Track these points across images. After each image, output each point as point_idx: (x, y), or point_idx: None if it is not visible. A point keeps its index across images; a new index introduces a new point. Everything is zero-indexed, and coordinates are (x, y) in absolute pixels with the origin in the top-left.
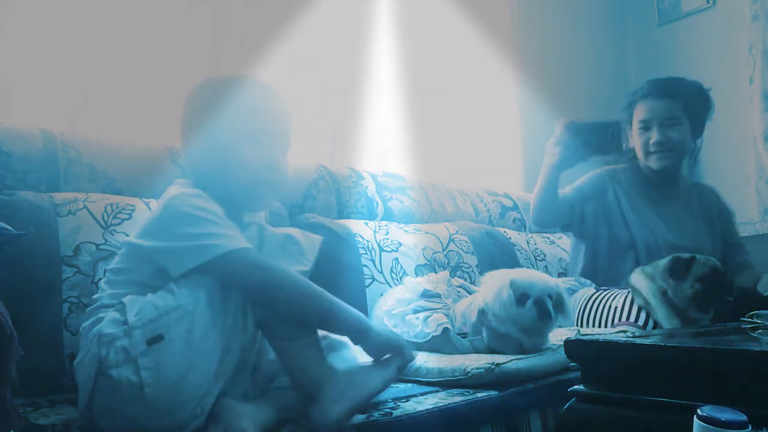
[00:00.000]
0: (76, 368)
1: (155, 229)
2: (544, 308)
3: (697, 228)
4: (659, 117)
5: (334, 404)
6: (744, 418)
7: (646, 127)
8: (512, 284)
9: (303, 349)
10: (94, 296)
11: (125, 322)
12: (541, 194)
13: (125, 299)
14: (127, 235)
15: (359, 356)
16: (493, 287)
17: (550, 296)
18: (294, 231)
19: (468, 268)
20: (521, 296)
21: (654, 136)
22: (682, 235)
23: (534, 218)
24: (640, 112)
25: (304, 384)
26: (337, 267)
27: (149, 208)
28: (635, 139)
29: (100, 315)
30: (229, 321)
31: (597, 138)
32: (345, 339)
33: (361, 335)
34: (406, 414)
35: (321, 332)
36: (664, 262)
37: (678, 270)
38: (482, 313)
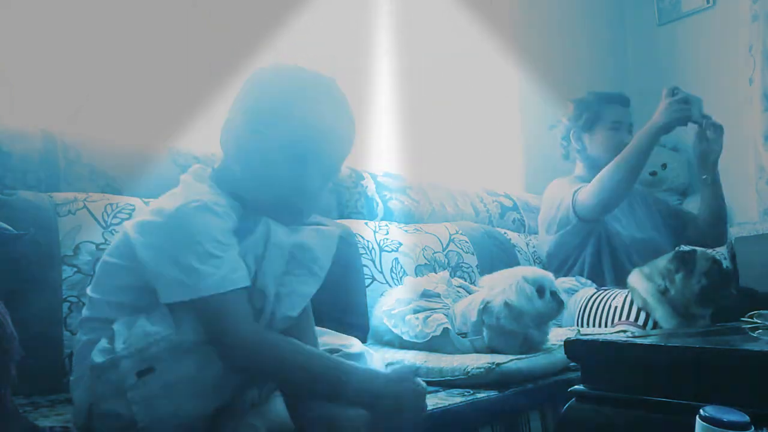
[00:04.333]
0: (72, 386)
1: (152, 240)
2: (558, 298)
3: (649, 222)
4: (627, 122)
5: None
6: (747, 418)
7: (618, 128)
8: (526, 280)
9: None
10: (88, 290)
11: (113, 351)
12: (637, 163)
13: (114, 325)
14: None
15: (373, 362)
16: (509, 285)
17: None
18: (307, 234)
19: (468, 268)
20: (539, 290)
21: (627, 137)
22: (640, 229)
23: (610, 199)
24: (611, 115)
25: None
26: (337, 267)
27: None
28: (604, 138)
29: (95, 336)
30: None
31: (696, 109)
32: (357, 347)
33: (371, 403)
34: None
35: (332, 342)
36: (664, 260)
37: (686, 265)
38: (488, 309)
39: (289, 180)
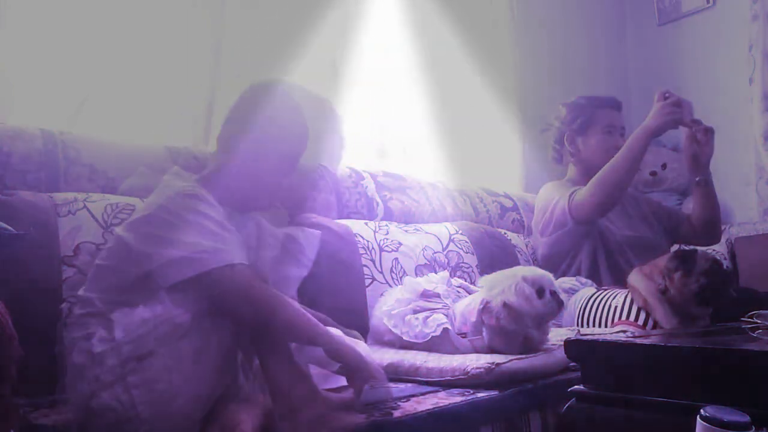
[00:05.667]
0: (69, 385)
1: (147, 230)
2: (558, 298)
3: (642, 221)
4: (620, 125)
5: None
6: (747, 418)
7: (611, 131)
8: (525, 280)
9: (279, 363)
10: (80, 292)
11: (113, 339)
12: (632, 165)
13: (113, 315)
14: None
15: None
16: (509, 286)
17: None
18: (293, 229)
19: (468, 268)
20: (538, 290)
21: (620, 141)
22: (633, 229)
23: (607, 201)
24: (604, 118)
25: (277, 399)
26: (338, 267)
27: None
28: (597, 142)
29: (91, 330)
30: (226, 334)
31: (686, 112)
32: (362, 347)
33: (336, 357)
34: (406, 414)
35: None
36: (663, 259)
37: (686, 264)
38: (488, 309)
39: (279, 177)
